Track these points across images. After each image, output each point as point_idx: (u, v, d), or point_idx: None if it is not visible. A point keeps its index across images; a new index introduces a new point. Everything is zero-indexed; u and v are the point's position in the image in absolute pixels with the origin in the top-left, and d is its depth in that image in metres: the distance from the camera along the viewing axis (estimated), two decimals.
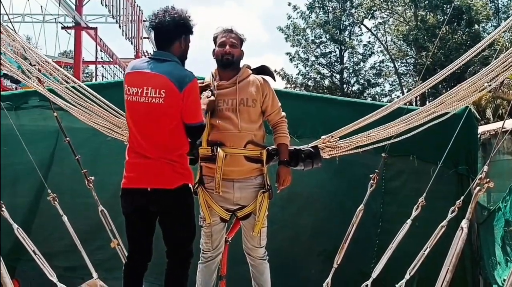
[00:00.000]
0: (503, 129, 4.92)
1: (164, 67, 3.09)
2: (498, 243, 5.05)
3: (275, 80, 3.71)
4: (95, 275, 3.96)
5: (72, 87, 3.78)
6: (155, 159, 3.10)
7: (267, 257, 3.70)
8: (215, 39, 3.63)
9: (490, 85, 3.31)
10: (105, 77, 23.25)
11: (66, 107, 3.78)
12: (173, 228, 3.21)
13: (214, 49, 3.64)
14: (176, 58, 3.17)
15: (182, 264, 3.25)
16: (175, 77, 3.05)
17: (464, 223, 3.38)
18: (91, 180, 4.01)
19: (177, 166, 3.14)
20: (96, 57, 20.11)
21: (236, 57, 3.58)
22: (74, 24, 17.95)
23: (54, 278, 3.81)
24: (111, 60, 22.94)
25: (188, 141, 3.22)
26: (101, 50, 20.93)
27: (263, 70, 3.68)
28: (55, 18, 18.55)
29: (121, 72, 24.04)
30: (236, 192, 3.53)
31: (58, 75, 3.78)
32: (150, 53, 25.13)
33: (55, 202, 4.00)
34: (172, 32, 3.18)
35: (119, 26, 19.61)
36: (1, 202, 3.77)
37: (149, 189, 3.10)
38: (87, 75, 32.88)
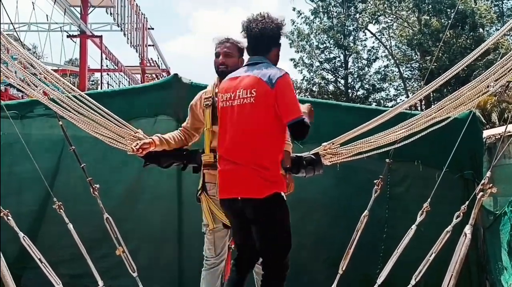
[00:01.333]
0: (508, 134, 4.90)
1: (256, 68, 3.12)
2: (504, 247, 5.02)
3: None
4: (100, 282, 3.96)
5: (74, 96, 3.79)
6: (244, 165, 3.02)
7: None
8: (214, 49, 3.72)
9: (493, 87, 3.30)
10: (111, 85, 23.34)
11: (69, 118, 3.80)
12: (265, 239, 3.09)
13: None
14: (267, 60, 3.19)
15: (276, 276, 3.10)
16: (265, 75, 3.04)
17: (467, 229, 3.37)
18: (96, 188, 4.02)
19: (268, 174, 3.02)
20: (102, 65, 20.17)
21: (231, 66, 3.59)
22: (79, 33, 18.03)
23: (60, 286, 3.82)
24: (116, 68, 23.03)
25: (283, 149, 3.19)
26: (106, 58, 21.02)
27: None
28: (61, 27, 18.61)
29: (126, 79, 24.16)
30: None
31: (60, 85, 3.79)
32: (155, 61, 25.41)
33: (61, 210, 4.02)
34: (272, 39, 3.21)
35: (124, 34, 19.70)
36: (7, 210, 3.79)
37: (239, 198, 3.07)
38: (93, 83, 33.04)
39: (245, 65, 3.26)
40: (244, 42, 3.64)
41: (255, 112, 3.02)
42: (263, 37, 3.17)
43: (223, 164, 3.14)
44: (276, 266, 3.10)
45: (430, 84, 3.59)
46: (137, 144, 3.64)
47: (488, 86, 3.28)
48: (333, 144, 3.75)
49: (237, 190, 3.07)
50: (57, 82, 3.77)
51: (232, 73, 3.27)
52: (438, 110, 3.45)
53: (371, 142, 3.66)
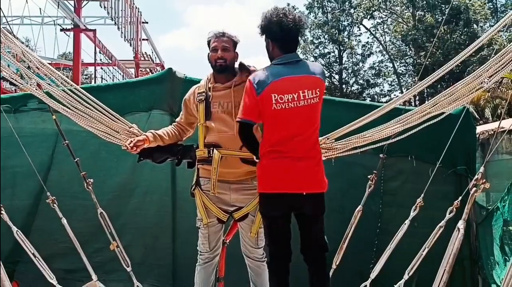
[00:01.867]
0: (501, 129, 4.93)
1: (305, 67, 3.20)
2: (496, 242, 5.06)
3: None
4: (94, 277, 3.96)
5: (70, 90, 3.78)
6: (308, 159, 3.15)
7: (265, 258, 3.70)
8: (208, 43, 3.63)
9: (487, 84, 3.31)
10: (104, 79, 23.28)
11: (63, 112, 3.78)
12: (321, 233, 3.25)
13: (208, 54, 3.64)
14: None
15: (325, 266, 3.31)
16: (320, 74, 3.20)
17: (460, 224, 3.39)
18: (90, 182, 4.01)
19: (323, 167, 3.23)
20: (95, 59, 20.10)
21: (230, 61, 3.58)
22: (73, 26, 17.95)
23: (53, 281, 3.81)
24: (110, 62, 22.95)
25: None
26: (100, 52, 20.93)
27: (241, 67, 3.64)
28: (54, 20, 18.52)
29: (120, 74, 24.07)
30: (232, 193, 3.54)
31: (55, 78, 3.77)
32: (149, 55, 25.30)
33: (54, 205, 4.00)
34: (299, 35, 3.27)
35: (118, 28, 19.63)
36: (1, 205, 3.78)
37: (304, 193, 3.14)
38: (86, 77, 32.88)
39: (286, 63, 3.19)
40: (238, 36, 3.63)
41: (318, 110, 3.19)
42: (298, 33, 3.23)
43: (283, 162, 3.13)
44: (325, 256, 3.28)
45: (425, 80, 3.60)
46: (131, 141, 3.63)
47: (482, 83, 3.29)
48: (328, 138, 3.77)
49: (303, 185, 3.14)
50: (51, 75, 3.75)
51: (274, 71, 3.16)
52: (432, 106, 3.46)
53: (366, 137, 3.68)
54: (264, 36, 3.30)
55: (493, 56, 3.28)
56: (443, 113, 3.52)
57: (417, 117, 3.52)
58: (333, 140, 3.74)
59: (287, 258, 3.26)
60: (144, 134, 3.72)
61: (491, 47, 21.90)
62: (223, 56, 3.56)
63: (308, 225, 3.25)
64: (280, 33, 3.18)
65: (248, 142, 3.27)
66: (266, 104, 3.11)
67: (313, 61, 31.52)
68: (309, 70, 3.17)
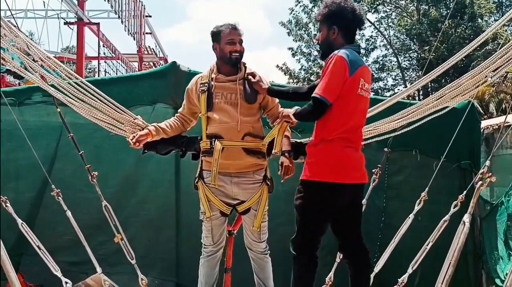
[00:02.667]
0: (506, 124, 4.91)
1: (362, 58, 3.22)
2: (500, 237, 5.06)
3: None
4: (99, 269, 3.97)
5: (75, 83, 3.78)
6: (360, 149, 3.23)
7: (269, 251, 3.71)
8: (218, 34, 3.58)
9: (491, 78, 3.30)
10: (108, 73, 23.25)
11: (68, 103, 3.78)
12: (360, 224, 3.30)
13: (215, 44, 3.60)
14: None
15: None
16: None
17: (466, 218, 3.39)
18: (94, 175, 4.01)
19: None
20: (99, 53, 20.10)
21: (243, 54, 3.59)
22: (76, 20, 17.91)
23: (58, 273, 3.82)
24: (114, 55, 22.92)
25: None
26: (103, 46, 20.91)
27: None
28: (58, 14, 18.53)
29: (123, 67, 24.05)
30: (234, 187, 3.53)
31: (60, 70, 3.77)
32: (153, 49, 25.27)
33: (59, 197, 4.01)
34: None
35: (122, 22, 19.58)
36: (5, 197, 3.79)
37: (360, 184, 3.21)
38: (90, 70, 32.90)
39: (356, 51, 3.15)
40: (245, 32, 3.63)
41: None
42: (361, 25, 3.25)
43: (350, 152, 3.11)
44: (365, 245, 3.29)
45: (429, 74, 3.60)
46: (134, 137, 3.63)
47: (486, 77, 3.28)
48: None
49: (363, 175, 3.21)
50: (57, 68, 3.75)
51: (357, 59, 3.10)
52: (437, 99, 3.45)
53: (370, 130, 3.67)
54: (323, 24, 3.21)
55: (499, 50, 3.27)
56: (447, 107, 3.51)
57: (422, 110, 3.52)
58: None
59: (316, 252, 3.21)
60: (147, 129, 3.71)
61: (495, 42, 21.77)
62: (241, 50, 3.56)
63: (357, 217, 3.30)
64: (352, 21, 3.15)
65: (314, 120, 3.17)
66: (354, 87, 3.03)
67: (316, 55, 31.53)
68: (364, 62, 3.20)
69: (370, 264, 3.34)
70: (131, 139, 3.62)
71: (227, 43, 3.54)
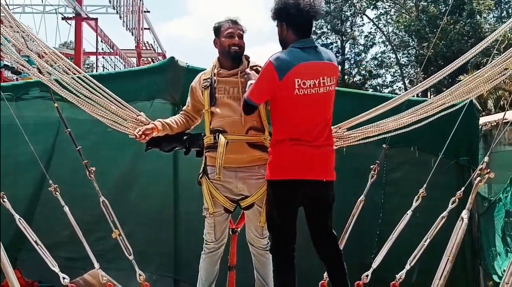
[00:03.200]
0: (504, 121, 4.92)
1: (323, 53, 3.16)
2: (498, 233, 5.08)
3: None
4: (96, 265, 3.96)
5: (78, 77, 3.75)
6: (325, 146, 3.15)
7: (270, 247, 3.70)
8: (218, 28, 3.59)
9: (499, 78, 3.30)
10: (106, 68, 23.23)
11: (71, 99, 3.75)
12: (331, 221, 3.27)
13: (216, 39, 3.61)
14: None
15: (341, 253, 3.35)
16: (335, 61, 3.21)
17: (464, 214, 3.38)
18: (92, 171, 4.00)
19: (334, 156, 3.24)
20: (97, 48, 20.06)
21: (243, 49, 3.57)
22: (74, 15, 17.87)
23: (56, 268, 3.81)
24: (112, 51, 22.90)
25: None
26: (101, 41, 20.89)
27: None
28: (56, 9, 18.50)
29: (121, 63, 24.02)
30: (238, 182, 3.52)
31: (62, 64, 3.74)
32: (151, 45, 25.23)
33: (57, 193, 3.99)
34: (314, 19, 3.26)
35: (120, 17, 19.55)
36: (3, 193, 3.77)
37: (324, 180, 3.16)
38: (88, 66, 32.81)
39: (304, 48, 3.12)
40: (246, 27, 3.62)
41: (333, 98, 3.18)
42: (314, 17, 3.20)
43: (302, 150, 3.08)
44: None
45: (437, 73, 3.58)
46: (139, 130, 3.62)
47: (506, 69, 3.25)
48: (340, 128, 3.75)
49: (322, 173, 3.15)
50: (58, 60, 3.72)
51: (296, 55, 3.07)
52: (448, 96, 3.44)
53: (380, 127, 3.66)
54: (276, 21, 3.23)
55: (500, 49, 3.25)
56: (455, 105, 3.53)
57: (432, 107, 3.51)
58: (345, 129, 3.73)
59: (293, 250, 3.23)
60: (153, 123, 3.70)
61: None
62: (240, 43, 3.56)
63: (324, 213, 3.25)
64: (296, 16, 3.10)
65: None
66: (288, 89, 3.04)
67: None
68: (327, 57, 3.15)
69: (341, 253, 3.32)
70: (137, 133, 3.60)
71: (226, 37, 3.55)
